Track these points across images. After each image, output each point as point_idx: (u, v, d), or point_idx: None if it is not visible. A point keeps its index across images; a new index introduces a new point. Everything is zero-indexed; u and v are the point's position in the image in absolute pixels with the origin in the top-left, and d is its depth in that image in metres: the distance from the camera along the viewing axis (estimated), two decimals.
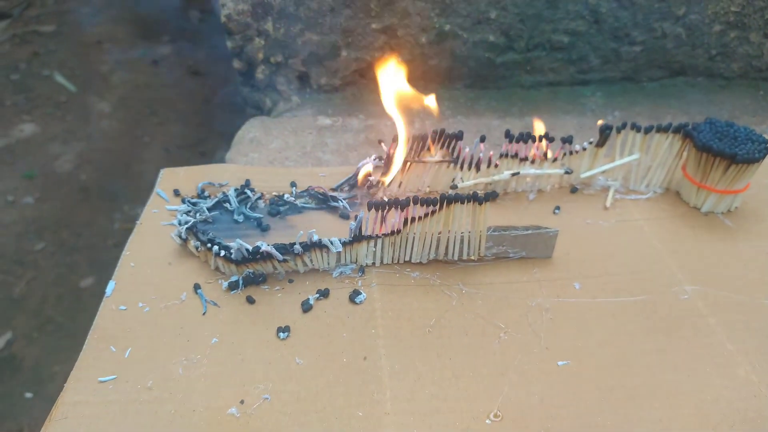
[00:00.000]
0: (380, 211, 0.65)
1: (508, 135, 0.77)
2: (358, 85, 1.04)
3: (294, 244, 0.65)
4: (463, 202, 0.64)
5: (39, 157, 1.77)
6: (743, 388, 0.57)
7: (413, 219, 0.65)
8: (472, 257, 0.69)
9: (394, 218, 0.66)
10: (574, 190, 0.82)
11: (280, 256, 0.65)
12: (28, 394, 1.15)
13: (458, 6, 0.97)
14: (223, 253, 0.64)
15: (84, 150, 1.80)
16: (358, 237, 0.66)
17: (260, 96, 1.04)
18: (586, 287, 0.68)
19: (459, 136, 0.76)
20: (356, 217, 0.74)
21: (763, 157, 0.73)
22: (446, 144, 0.76)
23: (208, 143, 1.86)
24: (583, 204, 0.80)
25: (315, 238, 0.65)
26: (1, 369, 1.19)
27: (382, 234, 0.67)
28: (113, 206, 1.60)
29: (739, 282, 0.69)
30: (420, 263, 0.69)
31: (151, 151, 1.82)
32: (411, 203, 0.64)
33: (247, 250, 0.64)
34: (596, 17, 1.00)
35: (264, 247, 0.63)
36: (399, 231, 0.66)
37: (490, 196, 0.65)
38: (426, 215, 0.65)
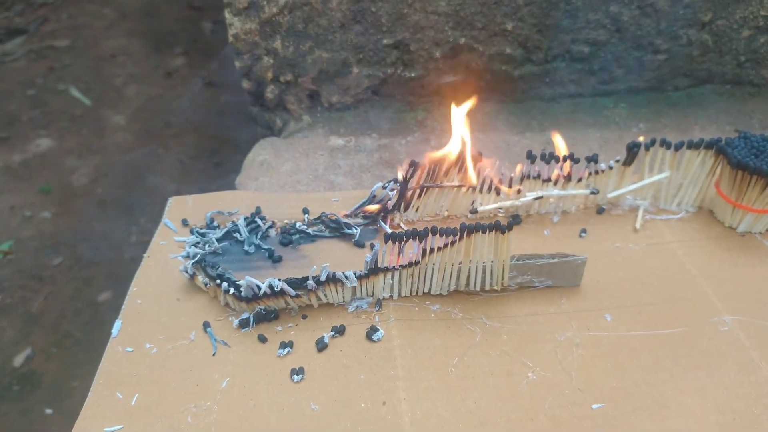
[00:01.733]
0: (397, 242, 0.61)
1: (530, 156, 0.73)
2: (371, 103, 1.01)
3: (307, 278, 0.62)
4: (484, 232, 0.60)
5: (55, 171, 1.77)
6: None
7: (432, 250, 0.62)
8: (495, 287, 0.66)
9: (412, 249, 0.62)
10: (600, 210, 0.78)
11: (292, 292, 0.61)
12: (48, 411, 1.14)
13: (473, 18, 0.93)
14: (232, 290, 0.61)
15: (100, 163, 1.81)
16: (373, 269, 0.63)
17: (270, 116, 1.01)
18: (618, 319, 0.63)
19: (477, 158, 0.72)
20: (372, 245, 0.71)
21: None
22: (464, 167, 0.73)
23: (223, 153, 1.85)
24: (611, 225, 0.76)
25: (329, 272, 0.61)
26: (20, 385, 1.19)
27: (400, 266, 0.63)
28: (130, 219, 1.60)
29: None
30: (440, 295, 0.66)
31: (166, 163, 1.82)
32: (429, 234, 0.61)
33: (257, 286, 0.60)
34: (618, 26, 0.96)
35: (275, 284, 0.60)
36: (417, 262, 0.63)
37: (513, 224, 0.61)
38: (445, 245, 0.62)
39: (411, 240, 0.61)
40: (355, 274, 0.63)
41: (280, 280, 0.61)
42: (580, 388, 0.56)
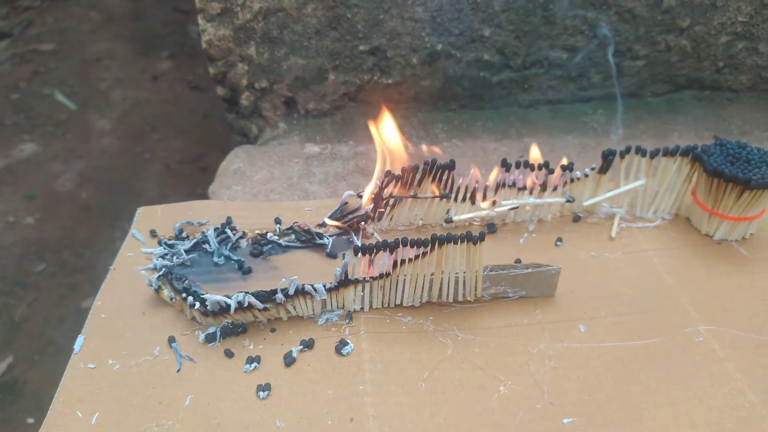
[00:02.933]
0: (367, 254, 0.60)
1: (505, 164, 0.72)
2: (348, 109, 1.00)
3: (275, 291, 0.60)
4: (456, 242, 0.59)
5: (40, 176, 1.75)
6: None
7: (403, 261, 0.61)
8: (469, 298, 0.65)
9: (383, 260, 0.61)
10: (576, 218, 0.77)
11: (260, 305, 0.60)
12: (30, 420, 1.12)
13: (450, 24, 0.92)
14: (197, 305, 0.59)
15: (85, 168, 1.78)
16: (343, 282, 0.61)
17: (246, 123, 1.00)
18: (592, 330, 0.62)
19: (451, 167, 0.71)
20: (343, 256, 0.70)
21: None
22: (438, 177, 0.71)
23: (209, 158, 1.83)
24: (587, 234, 0.75)
25: (297, 285, 0.60)
26: (2, 394, 1.16)
27: (371, 277, 0.62)
28: (114, 224, 1.58)
29: (758, 320, 0.64)
30: (412, 306, 0.65)
31: (152, 168, 1.80)
32: (400, 245, 0.59)
33: (224, 301, 0.59)
34: (596, 32, 0.96)
35: (242, 299, 0.59)
36: (388, 274, 0.62)
37: (486, 234, 0.60)
38: (417, 257, 0.60)
39: (382, 251, 0.60)
40: (324, 286, 0.61)
41: (246, 293, 0.59)
42: (552, 402, 0.55)
